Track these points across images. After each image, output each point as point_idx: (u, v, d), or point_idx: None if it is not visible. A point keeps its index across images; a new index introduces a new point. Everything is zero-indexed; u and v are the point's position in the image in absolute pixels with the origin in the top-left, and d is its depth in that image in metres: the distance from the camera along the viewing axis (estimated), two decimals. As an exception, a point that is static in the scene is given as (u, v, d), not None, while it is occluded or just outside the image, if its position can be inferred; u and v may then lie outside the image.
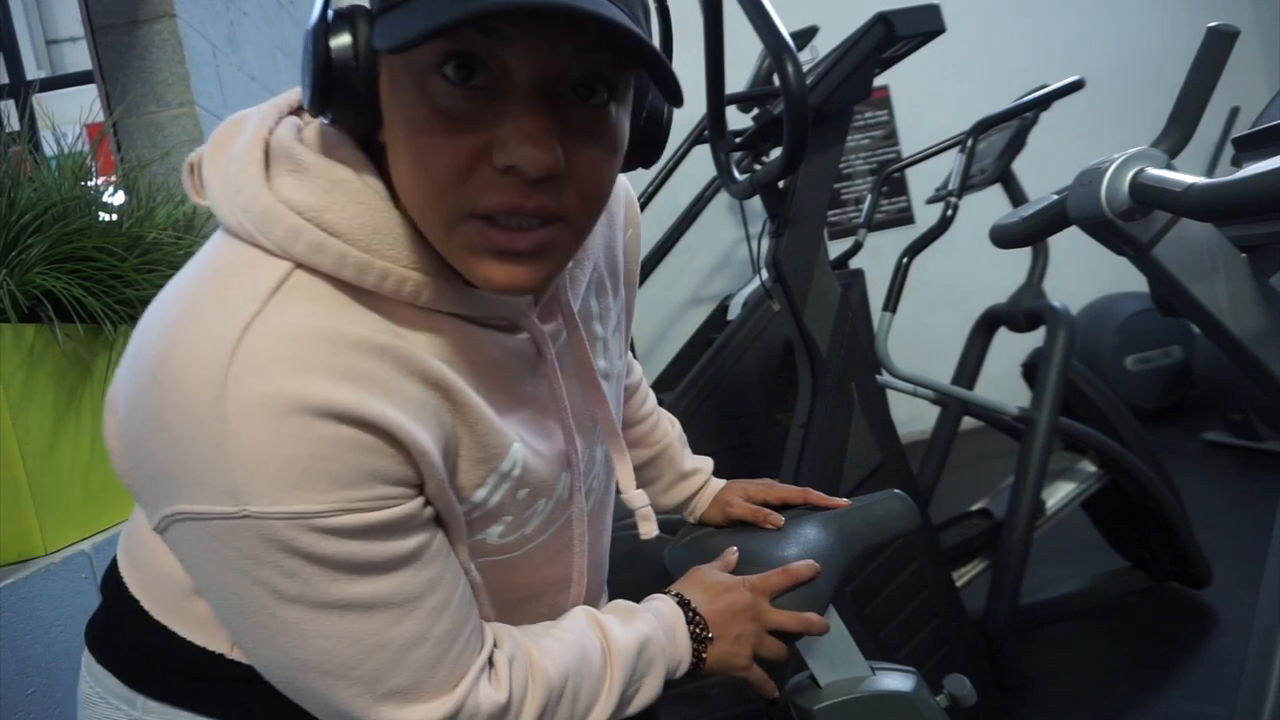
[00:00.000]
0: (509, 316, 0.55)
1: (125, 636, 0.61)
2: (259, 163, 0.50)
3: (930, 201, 2.31)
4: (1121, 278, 3.34)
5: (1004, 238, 1.18)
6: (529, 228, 0.46)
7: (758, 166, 1.87)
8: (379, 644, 0.48)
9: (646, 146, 0.55)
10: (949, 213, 2.04)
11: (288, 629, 0.47)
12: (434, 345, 0.50)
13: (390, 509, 0.47)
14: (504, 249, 0.46)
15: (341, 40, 0.46)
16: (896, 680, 0.87)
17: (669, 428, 0.91)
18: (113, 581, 0.62)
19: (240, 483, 0.43)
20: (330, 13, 0.47)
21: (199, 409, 0.43)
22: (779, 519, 0.82)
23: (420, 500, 0.49)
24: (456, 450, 0.52)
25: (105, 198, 1.05)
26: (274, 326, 0.44)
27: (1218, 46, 0.91)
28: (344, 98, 0.47)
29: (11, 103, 1.32)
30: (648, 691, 0.63)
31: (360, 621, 0.47)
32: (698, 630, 0.66)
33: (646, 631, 0.63)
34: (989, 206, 2.02)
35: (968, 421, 2.27)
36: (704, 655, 0.65)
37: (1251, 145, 0.99)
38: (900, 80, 3.84)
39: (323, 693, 0.49)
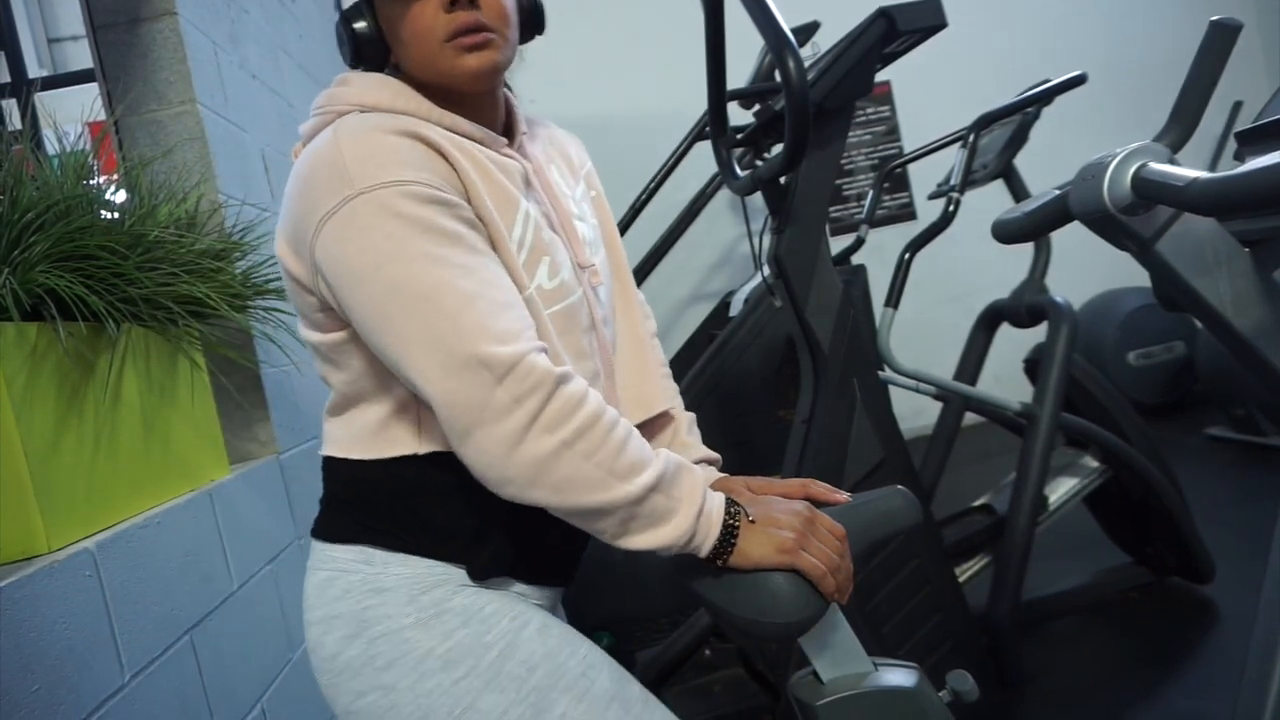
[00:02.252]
0: (496, 143, 0.80)
1: (348, 507, 0.80)
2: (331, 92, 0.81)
3: (932, 197, 2.31)
4: (1124, 273, 3.33)
5: (1006, 233, 1.17)
6: (475, 32, 0.75)
7: (759, 163, 1.87)
8: (453, 289, 0.67)
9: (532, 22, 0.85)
10: (951, 208, 2.04)
11: (398, 285, 0.67)
12: (450, 140, 0.75)
13: (447, 194, 0.70)
14: (468, 45, 0.75)
15: (360, 23, 0.81)
16: (899, 676, 0.87)
17: (681, 403, 0.99)
18: (329, 476, 0.82)
19: (352, 175, 0.68)
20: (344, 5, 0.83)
21: (322, 157, 0.71)
22: None
23: (467, 205, 0.72)
24: (481, 194, 0.74)
25: (107, 196, 1.05)
26: (357, 117, 0.74)
27: (1220, 40, 0.91)
28: (369, 51, 0.82)
29: (13, 101, 1.32)
30: (666, 520, 0.70)
31: (439, 269, 0.67)
32: (733, 511, 0.74)
33: (694, 475, 0.73)
34: (991, 202, 2.01)
35: (970, 417, 2.27)
36: (736, 534, 0.73)
37: (1254, 139, 0.99)
38: (902, 76, 3.83)
39: (423, 334, 0.66)
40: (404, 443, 0.77)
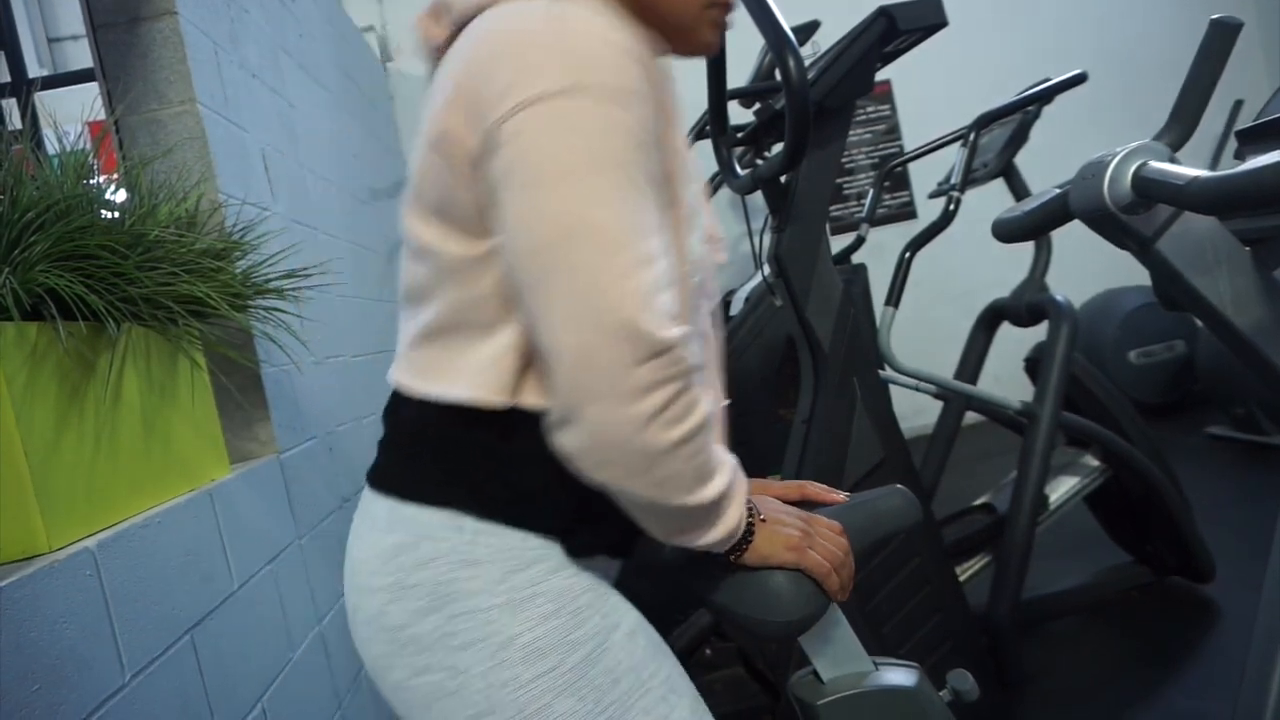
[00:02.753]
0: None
1: (436, 459, 0.70)
2: None
3: (933, 196, 2.31)
4: (1124, 272, 3.33)
5: (1006, 232, 1.17)
6: (728, 10, 0.74)
7: (759, 162, 1.87)
8: (637, 241, 0.60)
9: None
10: (951, 207, 2.04)
11: (585, 206, 0.59)
12: (665, 77, 0.69)
13: (655, 140, 0.63)
14: (719, 22, 0.74)
15: None
16: (899, 676, 0.87)
17: None
18: (410, 417, 0.72)
19: (586, 66, 0.60)
20: None
21: (546, 31, 0.62)
22: None
23: (657, 151, 0.64)
24: (677, 144, 0.69)
25: (107, 196, 1.05)
26: (588, 6, 0.64)
27: (1221, 39, 0.91)
28: None
29: (13, 101, 1.32)
30: (719, 523, 0.68)
31: (632, 213, 0.60)
32: (749, 509, 0.72)
33: (742, 475, 0.72)
34: (991, 201, 2.01)
35: (970, 416, 2.27)
36: (752, 532, 0.72)
37: (1255, 138, 0.99)
38: (902, 75, 3.83)
39: (587, 272, 0.59)
40: (524, 389, 0.67)
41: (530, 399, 0.67)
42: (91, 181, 1.03)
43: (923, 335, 3.38)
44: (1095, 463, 2.02)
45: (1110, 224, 0.97)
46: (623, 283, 0.59)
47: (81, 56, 3.36)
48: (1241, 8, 3.91)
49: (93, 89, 1.37)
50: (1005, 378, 2.74)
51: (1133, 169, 0.92)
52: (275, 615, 1.30)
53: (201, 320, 1.10)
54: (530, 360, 0.67)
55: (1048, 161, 2.40)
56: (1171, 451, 2.05)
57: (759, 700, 1.59)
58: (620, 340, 0.58)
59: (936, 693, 0.89)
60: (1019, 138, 2.17)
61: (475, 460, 0.70)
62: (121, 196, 1.09)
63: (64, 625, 0.82)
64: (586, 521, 0.71)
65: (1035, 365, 2.00)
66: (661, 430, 0.60)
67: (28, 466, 0.82)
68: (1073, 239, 1.61)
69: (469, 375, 0.68)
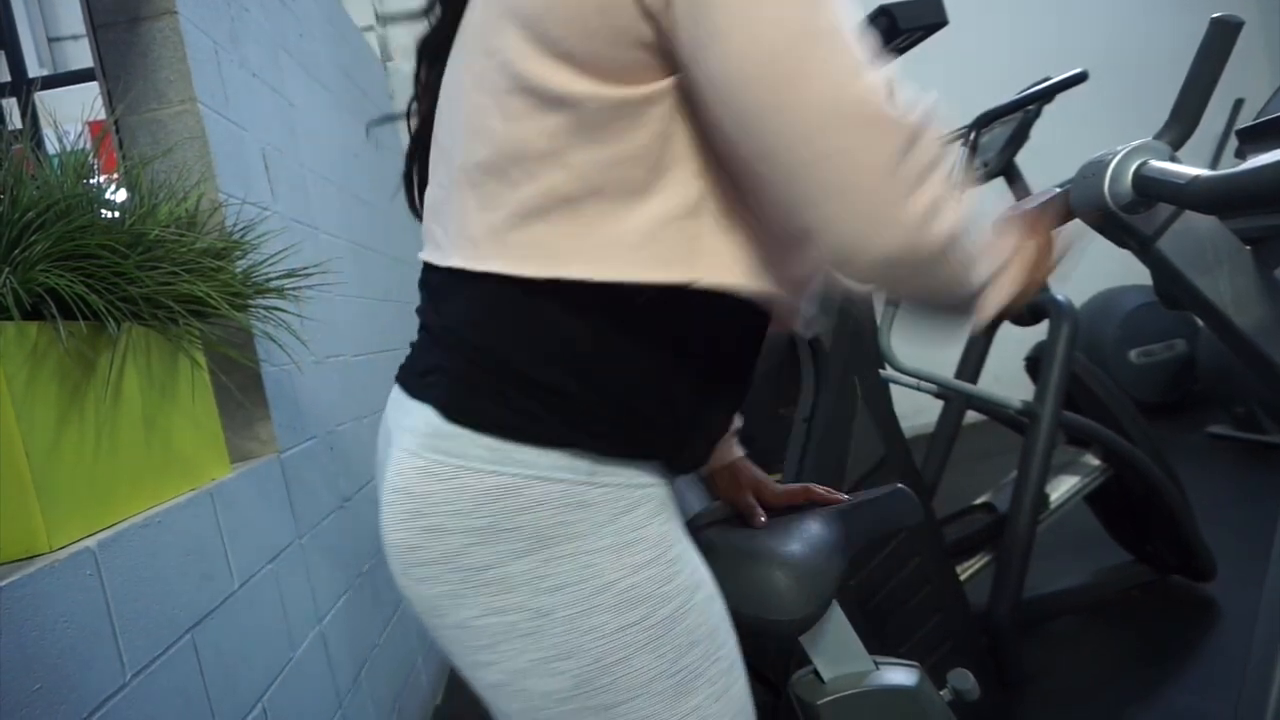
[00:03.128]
0: None
1: (549, 377, 0.62)
2: None
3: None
4: (1125, 271, 3.33)
5: (1007, 231, 1.17)
6: None
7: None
8: (847, 18, 0.57)
9: None
10: (952, 206, 2.03)
11: (815, 9, 0.54)
12: None
13: None
14: None
15: None
16: (900, 675, 0.87)
17: None
18: (512, 313, 0.63)
19: None
20: None
21: None
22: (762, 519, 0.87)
23: None
24: None
25: (107, 195, 1.05)
26: None
27: (1222, 37, 0.91)
28: None
29: (14, 100, 1.32)
30: (1006, 275, 0.68)
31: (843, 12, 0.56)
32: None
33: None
34: (992, 200, 2.01)
35: (971, 416, 2.27)
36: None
37: (1256, 137, 0.99)
38: (902, 73, 3.82)
39: (827, 69, 0.54)
40: (676, 262, 0.59)
41: (696, 269, 0.60)
42: (92, 181, 1.03)
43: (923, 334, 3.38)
44: (1096, 462, 2.02)
45: (1111, 223, 0.96)
46: (865, 76, 0.55)
47: (81, 56, 3.36)
48: (1243, 7, 3.90)
49: (93, 88, 1.37)
50: (1006, 377, 2.74)
51: (1133, 168, 0.92)
52: (276, 614, 1.30)
53: (202, 320, 1.10)
54: (692, 223, 0.60)
55: (1048, 160, 2.39)
56: (1172, 451, 2.05)
57: (759, 699, 1.59)
58: (881, 133, 0.55)
59: (937, 692, 0.89)
60: (1019, 137, 2.16)
61: (607, 372, 0.63)
62: (122, 196, 1.09)
63: (65, 624, 0.82)
64: (688, 429, 0.69)
65: (1036, 364, 2.00)
66: (946, 215, 0.57)
67: (28, 466, 0.82)
68: (1073, 238, 1.61)
69: (622, 251, 0.59)
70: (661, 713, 0.65)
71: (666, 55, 0.58)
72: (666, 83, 0.58)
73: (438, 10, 0.74)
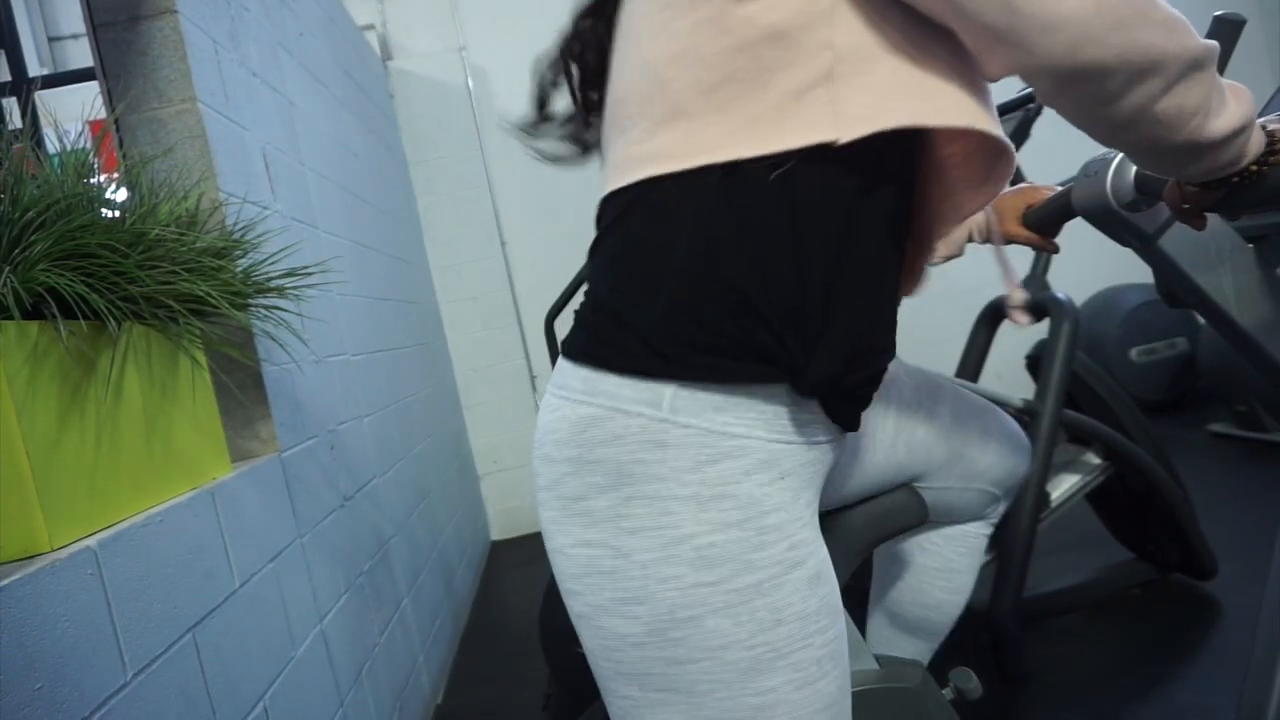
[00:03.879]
0: None
1: (664, 301, 0.62)
2: None
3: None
4: (1126, 269, 3.32)
5: (1008, 229, 1.17)
6: None
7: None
8: None
9: None
10: (953, 205, 2.03)
11: None
12: None
13: None
14: None
15: None
16: (902, 673, 0.87)
17: None
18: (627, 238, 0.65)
19: None
20: None
21: None
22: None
23: None
24: None
25: (108, 194, 1.05)
26: None
27: (1224, 35, 0.91)
28: None
29: (14, 100, 1.32)
30: (1217, 91, 0.65)
31: None
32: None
33: None
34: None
35: (972, 414, 2.26)
36: (1278, 139, 0.71)
37: (1257, 135, 0.98)
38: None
39: None
40: (818, 125, 0.59)
41: (839, 128, 0.59)
42: (92, 180, 1.03)
43: (924, 332, 3.38)
44: (1097, 460, 2.02)
45: (1113, 221, 0.96)
46: None
47: (82, 55, 3.36)
48: (1244, 5, 3.90)
49: (93, 88, 1.37)
50: (1007, 375, 2.74)
51: (1135, 166, 0.92)
52: (277, 613, 1.30)
53: (202, 319, 1.10)
54: (826, 84, 0.60)
55: (1049, 159, 2.39)
56: (1173, 449, 2.05)
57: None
58: None
59: (939, 690, 0.89)
60: (1021, 135, 2.16)
61: (716, 268, 0.61)
62: (122, 195, 1.09)
63: (66, 624, 0.82)
64: (825, 343, 0.63)
65: (1037, 363, 2.00)
66: (1183, 30, 0.58)
67: (29, 465, 0.82)
68: (1075, 236, 1.61)
69: (764, 126, 0.60)
70: (732, 683, 0.63)
71: None
72: None
73: None
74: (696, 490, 0.62)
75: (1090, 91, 0.59)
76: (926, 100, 0.61)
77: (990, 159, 0.70)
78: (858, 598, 1.46)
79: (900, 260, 0.72)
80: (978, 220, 1.12)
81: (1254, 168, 0.72)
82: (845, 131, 0.59)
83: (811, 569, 0.66)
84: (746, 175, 0.61)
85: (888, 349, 0.70)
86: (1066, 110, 0.63)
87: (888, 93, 0.60)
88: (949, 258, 1.14)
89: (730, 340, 0.62)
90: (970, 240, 1.13)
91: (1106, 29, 0.56)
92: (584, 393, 0.66)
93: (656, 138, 0.63)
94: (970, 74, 0.65)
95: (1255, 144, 0.71)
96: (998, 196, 0.94)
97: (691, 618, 0.62)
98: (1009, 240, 1.11)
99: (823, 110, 0.59)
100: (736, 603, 0.62)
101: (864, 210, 0.64)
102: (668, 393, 0.63)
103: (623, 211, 0.66)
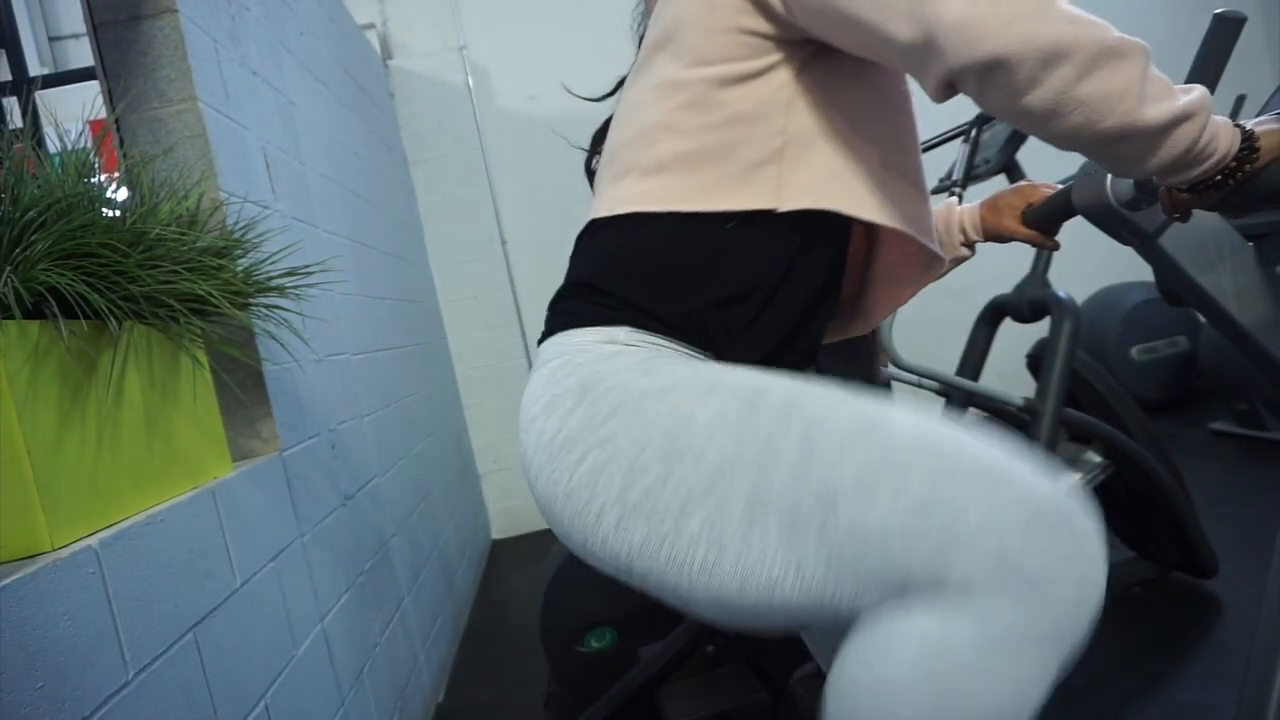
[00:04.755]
0: None
1: (626, 278, 0.80)
2: None
3: (934, 192, 2.30)
4: (1127, 267, 3.32)
5: (1008, 228, 1.17)
6: None
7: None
8: None
9: None
10: (953, 203, 2.03)
11: None
12: None
13: None
14: None
15: None
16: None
17: None
18: (620, 243, 0.82)
19: None
20: None
21: None
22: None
23: None
24: None
25: (108, 194, 1.05)
26: None
27: (1224, 33, 0.91)
28: None
29: (14, 99, 1.32)
30: (1171, 93, 0.70)
31: None
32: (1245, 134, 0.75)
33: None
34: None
35: (972, 412, 2.27)
36: (1257, 138, 0.75)
37: (1258, 133, 0.98)
38: (904, 70, 3.82)
39: None
40: (760, 196, 0.77)
41: (780, 199, 0.77)
42: (93, 180, 1.03)
43: (925, 331, 3.38)
44: (1098, 459, 2.02)
45: (1113, 220, 0.96)
46: None
47: (82, 55, 3.36)
48: (1245, 2, 3.89)
49: (93, 87, 1.37)
50: (1007, 374, 2.74)
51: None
52: (278, 612, 1.30)
53: (203, 318, 1.10)
54: (774, 165, 0.78)
55: (1050, 157, 2.39)
56: (1174, 447, 2.05)
57: (762, 696, 1.59)
58: None
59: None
60: (1021, 134, 2.16)
61: (675, 270, 0.80)
62: (123, 195, 1.09)
63: (67, 623, 0.82)
64: (744, 341, 0.80)
65: (1037, 361, 2.00)
66: (1105, 30, 0.66)
67: (30, 465, 0.82)
68: (1075, 235, 1.61)
69: (716, 186, 0.79)
70: (747, 423, 0.71)
71: (767, 34, 0.76)
72: (763, 61, 0.76)
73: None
74: (644, 368, 0.75)
75: (1004, 81, 0.66)
76: (854, 193, 0.77)
77: (921, 260, 0.92)
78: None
79: (829, 305, 0.88)
80: (969, 219, 1.12)
81: (1233, 165, 0.72)
82: (785, 204, 0.77)
83: (752, 371, 0.77)
84: (706, 221, 0.78)
85: (801, 362, 0.87)
86: (996, 107, 0.69)
87: (826, 177, 0.77)
88: (956, 262, 1.14)
89: (675, 313, 0.79)
90: (972, 240, 1.13)
91: (1004, 23, 0.63)
92: (554, 352, 0.80)
93: (643, 184, 0.80)
94: (905, 171, 0.81)
95: (1225, 142, 0.73)
96: (994, 200, 1.02)
97: (685, 419, 0.72)
98: (1009, 238, 1.11)
99: (770, 183, 0.77)
100: (708, 389, 0.74)
101: (799, 261, 0.81)
102: (621, 333, 0.78)
103: (608, 228, 0.83)
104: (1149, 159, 0.71)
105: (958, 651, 0.64)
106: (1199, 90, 0.71)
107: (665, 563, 0.71)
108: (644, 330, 0.78)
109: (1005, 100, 0.67)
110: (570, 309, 0.83)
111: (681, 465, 0.70)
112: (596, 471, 0.73)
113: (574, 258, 0.88)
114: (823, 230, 0.81)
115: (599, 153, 1.00)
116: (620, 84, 0.98)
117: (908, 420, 0.71)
